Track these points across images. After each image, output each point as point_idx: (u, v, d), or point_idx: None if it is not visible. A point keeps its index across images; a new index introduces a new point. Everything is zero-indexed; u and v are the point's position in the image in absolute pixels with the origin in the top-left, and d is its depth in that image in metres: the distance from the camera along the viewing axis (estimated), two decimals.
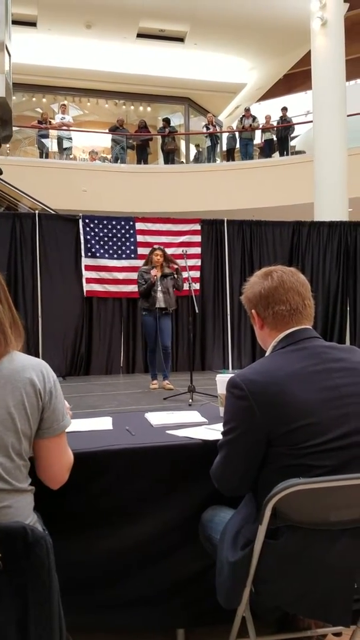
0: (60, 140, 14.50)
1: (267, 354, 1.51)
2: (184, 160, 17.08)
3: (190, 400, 5.39)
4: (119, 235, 8.57)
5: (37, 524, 1.32)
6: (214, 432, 1.88)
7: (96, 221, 8.49)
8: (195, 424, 2.04)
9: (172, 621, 1.78)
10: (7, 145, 14.76)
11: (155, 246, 6.95)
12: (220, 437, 1.79)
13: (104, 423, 2.12)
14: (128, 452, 1.74)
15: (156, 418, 2.17)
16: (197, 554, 1.74)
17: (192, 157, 17.25)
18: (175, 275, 6.59)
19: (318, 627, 1.71)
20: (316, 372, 1.37)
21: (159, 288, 6.48)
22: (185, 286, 6.37)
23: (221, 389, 2.17)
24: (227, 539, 1.46)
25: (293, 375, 1.36)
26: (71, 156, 15.02)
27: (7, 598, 1.05)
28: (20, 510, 1.26)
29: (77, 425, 2.08)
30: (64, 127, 14.43)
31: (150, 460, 1.75)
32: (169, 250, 8.44)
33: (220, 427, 1.94)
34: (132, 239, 8.61)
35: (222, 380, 2.17)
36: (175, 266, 6.67)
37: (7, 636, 1.06)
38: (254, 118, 14.64)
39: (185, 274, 6.42)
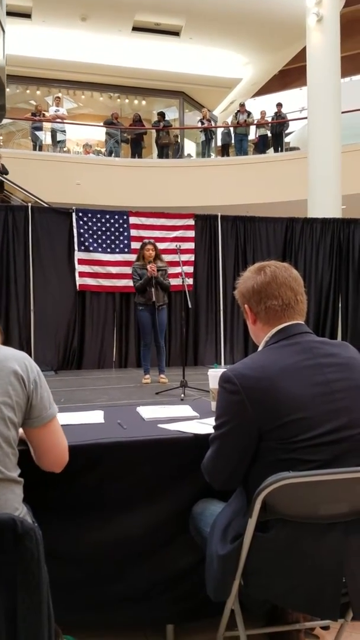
0: (54, 133, 14.42)
1: (259, 349, 1.51)
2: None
3: (183, 395, 5.40)
4: (112, 229, 8.55)
5: (27, 516, 1.32)
6: (205, 426, 1.88)
7: (89, 215, 8.46)
8: (187, 418, 2.04)
9: (162, 616, 1.78)
10: (0, 137, 14.69)
11: (146, 240, 6.92)
12: (211, 431, 1.80)
13: (96, 416, 2.12)
14: (119, 445, 1.73)
15: (148, 412, 2.17)
16: (187, 548, 1.75)
17: (186, 152, 17.20)
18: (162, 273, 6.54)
19: (306, 621, 1.72)
20: (308, 367, 1.38)
21: (153, 282, 6.46)
22: (179, 281, 6.35)
23: (213, 384, 2.18)
24: (217, 532, 1.47)
25: (285, 370, 1.36)
26: (65, 149, 14.94)
27: None
28: (9, 502, 1.26)
29: (69, 418, 2.08)
30: (58, 120, 14.35)
31: (141, 453, 1.75)
32: (162, 245, 8.43)
33: (211, 421, 1.94)
34: (125, 233, 8.59)
35: (214, 375, 2.17)
36: (162, 264, 6.62)
37: None
38: (249, 113, 14.62)
39: (178, 269, 6.40)
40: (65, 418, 2.07)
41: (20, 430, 1.38)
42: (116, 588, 1.75)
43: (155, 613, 1.78)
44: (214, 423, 1.89)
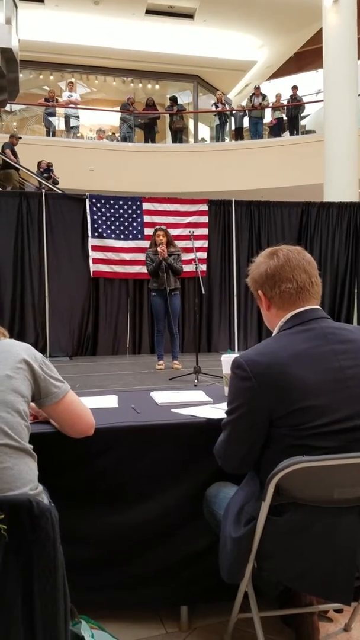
0: (67, 118, 14.37)
1: (273, 334, 1.49)
2: (193, 140, 16.90)
3: (196, 381, 5.41)
4: (125, 215, 8.53)
5: (43, 496, 1.34)
6: (218, 411, 1.88)
7: (103, 201, 8.45)
8: (200, 403, 2.05)
9: (176, 598, 1.80)
10: (14, 124, 14.69)
11: (157, 227, 6.91)
12: (225, 416, 1.80)
13: (110, 401, 2.13)
14: (133, 429, 1.75)
15: (161, 397, 2.18)
16: (201, 531, 1.76)
17: (200, 136, 17.04)
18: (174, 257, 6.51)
19: (319, 604, 1.73)
20: (321, 354, 1.36)
21: (164, 266, 6.44)
22: (192, 268, 6.32)
23: (226, 369, 2.18)
24: (231, 515, 1.47)
25: (297, 356, 1.34)
26: (78, 135, 14.89)
27: (13, 569, 1.07)
28: (24, 474, 1.29)
29: (83, 402, 2.09)
30: (71, 105, 14.28)
31: (155, 438, 1.76)
32: (176, 231, 8.41)
33: (225, 406, 1.95)
34: (139, 219, 8.57)
35: (227, 360, 2.17)
36: (174, 249, 6.59)
37: (13, 607, 1.08)
38: (264, 96, 14.42)
39: (191, 255, 6.37)
40: None
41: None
42: (130, 569, 1.78)
43: (169, 594, 1.80)
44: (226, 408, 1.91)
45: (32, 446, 1.37)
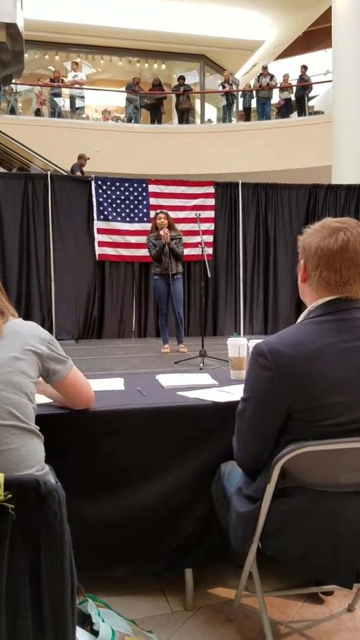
0: (72, 99, 14.22)
1: (300, 318, 1.40)
2: (199, 121, 16.71)
3: (202, 365, 5.42)
4: (131, 197, 8.48)
5: (50, 477, 1.35)
6: (224, 394, 1.89)
7: (108, 183, 8.39)
8: (206, 386, 2.05)
9: (181, 565, 1.83)
10: (19, 104, 14.55)
11: (158, 210, 6.87)
12: (230, 399, 1.80)
13: (116, 384, 2.14)
14: (139, 412, 1.75)
15: (167, 380, 2.18)
16: (203, 511, 1.78)
17: (207, 117, 16.84)
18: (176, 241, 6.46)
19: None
20: (350, 349, 1.28)
21: (167, 251, 6.40)
22: (198, 251, 6.30)
23: (232, 353, 2.18)
24: (239, 492, 1.48)
25: (323, 349, 1.27)
26: (84, 116, 14.75)
27: (21, 548, 1.08)
28: (31, 455, 1.30)
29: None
30: (76, 85, 14.12)
31: (160, 420, 1.76)
32: (182, 214, 8.36)
33: (230, 389, 1.95)
34: (144, 202, 8.52)
35: (232, 344, 2.17)
36: (175, 233, 6.54)
37: (21, 585, 1.09)
38: (272, 76, 14.20)
39: (197, 239, 6.34)
40: None
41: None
42: (135, 547, 1.80)
43: (170, 565, 1.83)
44: (233, 391, 1.91)
45: (38, 427, 1.38)
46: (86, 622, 1.47)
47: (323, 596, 1.86)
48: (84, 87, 14.47)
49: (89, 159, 10.47)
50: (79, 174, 9.90)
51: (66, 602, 1.12)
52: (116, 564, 1.80)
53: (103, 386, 2.09)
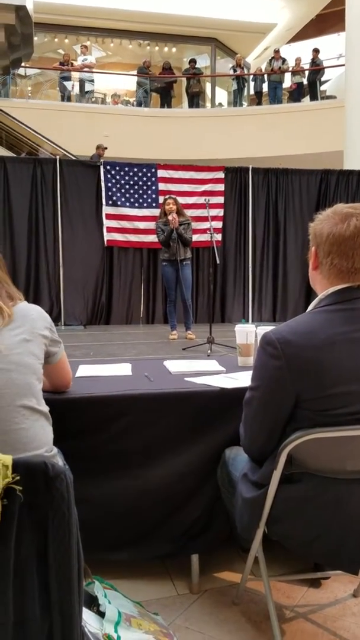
0: (82, 83, 14.11)
1: (310, 307, 1.38)
2: (210, 105, 16.54)
3: (209, 351, 5.42)
4: (140, 183, 8.43)
5: (58, 458, 1.36)
6: (231, 380, 1.88)
7: (117, 168, 8.35)
8: (213, 372, 2.05)
9: (188, 549, 1.84)
10: (29, 88, 14.46)
11: (167, 196, 6.83)
12: (238, 385, 1.80)
13: (124, 369, 2.15)
14: (146, 397, 1.76)
15: (175, 365, 2.18)
16: (211, 498, 1.79)
17: (217, 101, 16.66)
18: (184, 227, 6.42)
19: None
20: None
21: (176, 237, 6.37)
22: (207, 237, 6.26)
23: (240, 340, 2.17)
24: (245, 477, 1.49)
25: (333, 339, 1.25)
26: (93, 100, 14.64)
27: (28, 530, 1.09)
28: (40, 436, 1.32)
29: (97, 370, 2.11)
30: (86, 69, 14.00)
31: (167, 406, 1.77)
32: (191, 200, 8.30)
33: (238, 375, 1.95)
34: (153, 187, 8.47)
35: (240, 330, 2.16)
36: (183, 218, 6.50)
37: (28, 567, 1.10)
38: (284, 60, 14.00)
39: (206, 224, 6.30)
40: (94, 370, 2.11)
41: None
42: (142, 530, 1.82)
43: (177, 549, 1.84)
44: (240, 377, 1.91)
45: (48, 408, 1.40)
46: (93, 603, 1.48)
47: (322, 580, 1.88)
48: (93, 70, 14.35)
49: (106, 148, 10.37)
50: None
51: (73, 584, 1.13)
52: (122, 546, 1.82)
53: (111, 371, 2.09)
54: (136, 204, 8.41)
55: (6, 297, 1.42)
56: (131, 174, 8.39)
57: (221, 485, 1.71)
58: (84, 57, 14.03)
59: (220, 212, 8.64)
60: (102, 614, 1.44)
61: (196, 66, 14.60)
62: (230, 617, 1.68)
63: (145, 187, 8.45)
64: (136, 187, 8.41)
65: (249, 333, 2.13)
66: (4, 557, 1.05)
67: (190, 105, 14.61)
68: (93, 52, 15.75)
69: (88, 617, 1.40)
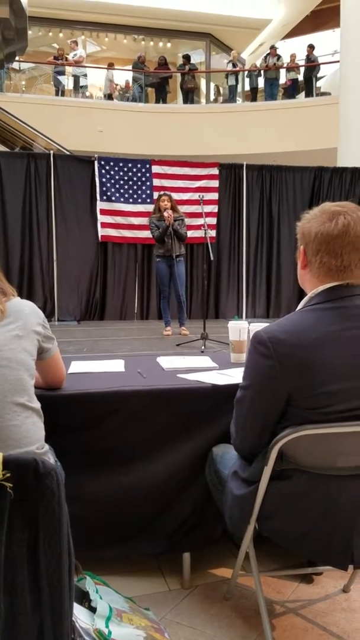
0: (76, 78, 14.04)
1: (300, 306, 1.38)
2: (204, 101, 16.50)
3: (203, 347, 5.43)
4: (134, 178, 8.41)
5: (50, 455, 1.36)
6: (224, 376, 1.89)
7: (112, 163, 8.32)
8: (206, 369, 2.05)
9: (180, 547, 1.85)
10: (23, 82, 14.37)
11: (161, 192, 6.83)
12: (230, 381, 1.81)
13: (116, 365, 2.15)
14: (139, 393, 1.76)
15: (167, 362, 2.18)
16: (201, 491, 1.80)
17: (212, 97, 16.61)
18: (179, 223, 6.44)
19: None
20: (352, 337, 1.26)
21: (171, 232, 6.38)
22: (201, 233, 6.26)
23: (233, 336, 2.18)
24: (234, 475, 1.49)
25: (324, 337, 1.26)
26: (87, 94, 14.57)
27: (19, 526, 1.10)
28: (31, 433, 1.32)
29: (90, 366, 2.11)
30: (81, 64, 13.93)
31: (160, 402, 1.77)
32: (185, 196, 8.30)
33: (231, 372, 1.96)
34: (148, 183, 8.46)
35: (233, 327, 2.17)
36: (177, 214, 6.51)
37: (19, 563, 1.11)
38: (279, 57, 13.98)
39: (200, 221, 6.30)
40: (87, 366, 2.11)
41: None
42: (133, 527, 1.82)
43: (170, 545, 1.84)
44: (233, 374, 1.91)
45: (40, 404, 1.40)
46: (84, 599, 1.49)
47: (314, 576, 1.89)
48: (86, 65, 14.27)
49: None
50: None
51: (63, 580, 1.13)
52: (115, 543, 1.82)
53: (104, 368, 2.09)
54: (130, 200, 8.40)
55: None
56: (125, 169, 8.37)
57: (210, 483, 1.72)
58: (73, 52, 13.95)
59: (214, 208, 8.64)
60: (93, 609, 1.44)
61: (191, 62, 14.55)
62: (221, 612, 1.69)
63: (139, 183, 8.44)
64: (130, 182, 8.40)
65: (241, 330, 2.14)
66: None
67: (185, 101, 14.57)
68: (88, 46, 15.64)
69: (79, 612, 1.40)
